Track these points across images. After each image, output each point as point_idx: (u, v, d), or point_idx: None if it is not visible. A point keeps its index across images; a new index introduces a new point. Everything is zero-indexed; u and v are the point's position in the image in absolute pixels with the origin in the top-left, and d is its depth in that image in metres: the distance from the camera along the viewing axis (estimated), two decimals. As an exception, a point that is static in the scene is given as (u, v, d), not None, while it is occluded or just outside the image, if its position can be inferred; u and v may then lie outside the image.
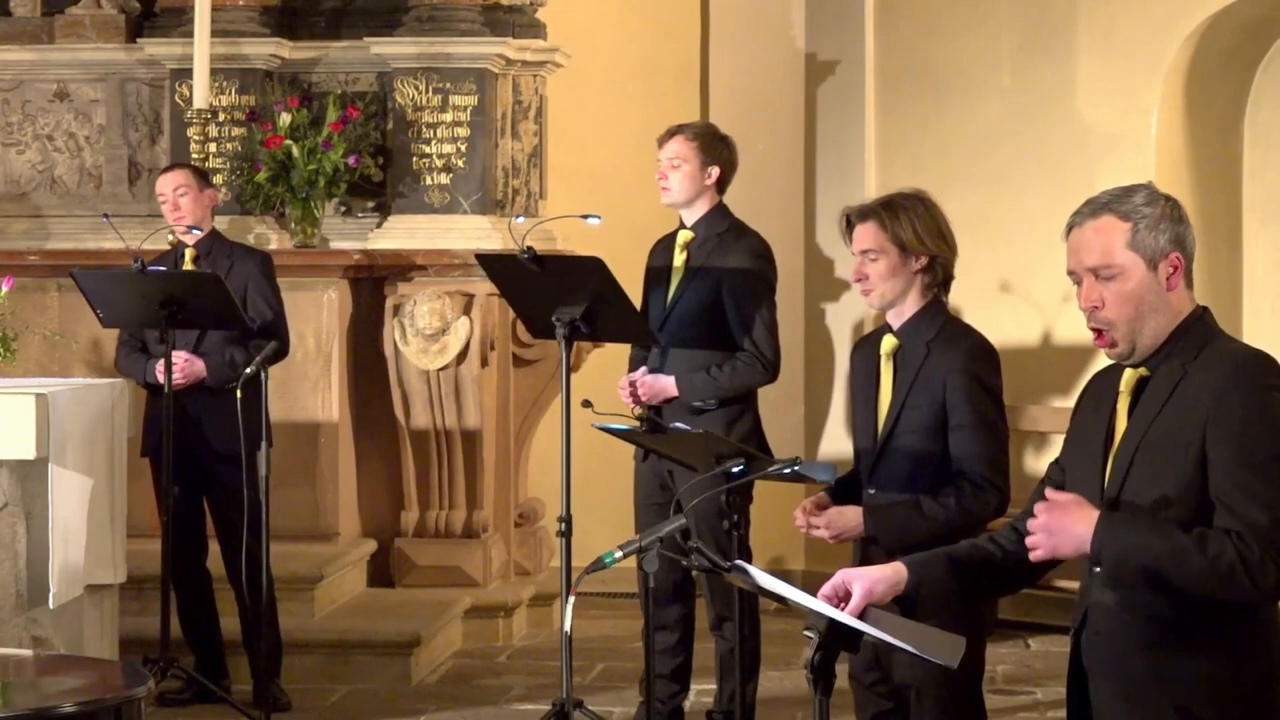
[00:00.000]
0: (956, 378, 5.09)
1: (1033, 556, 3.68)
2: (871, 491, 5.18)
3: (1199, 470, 3.60)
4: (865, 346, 5.35)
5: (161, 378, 7.47)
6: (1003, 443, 5.18)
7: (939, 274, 5.18)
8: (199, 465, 7.58)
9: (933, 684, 4.99)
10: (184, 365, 7.52)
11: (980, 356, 5.16)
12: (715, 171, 6.96)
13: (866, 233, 5.15)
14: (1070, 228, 3.77)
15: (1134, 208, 3.71)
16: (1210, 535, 3.56)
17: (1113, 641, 3.72)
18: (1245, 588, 3.54)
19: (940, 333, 5.16)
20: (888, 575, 3.77)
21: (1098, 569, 3.66)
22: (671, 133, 6.98)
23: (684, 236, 6.99)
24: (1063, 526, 3.62)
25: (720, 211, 7.02)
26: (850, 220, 5.22)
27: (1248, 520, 3.54)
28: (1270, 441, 3.58)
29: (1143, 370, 3.74)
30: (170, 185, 7.79)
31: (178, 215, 7.77)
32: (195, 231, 7.80)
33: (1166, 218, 3.71)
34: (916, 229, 5.13)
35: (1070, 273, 3.77)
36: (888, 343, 5.19)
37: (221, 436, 7.39)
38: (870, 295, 5.19)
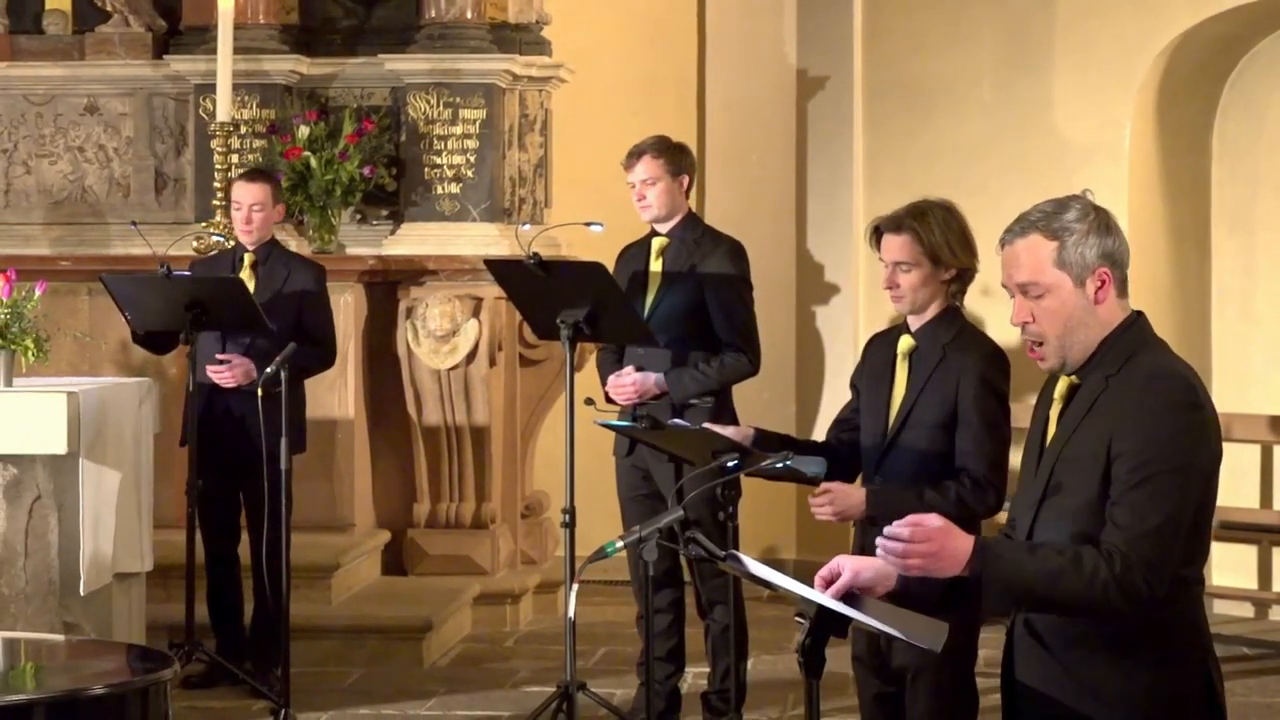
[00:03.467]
0: (969, 381, 5.05)
1: (909, 573, 3.56)
2: (878, 479, 5.16)
3: (1104, 482, 3.54)
4: (881, 343, 5.30)
5: (212, 376, 7.48)
6: (1005, 446, 5.13)
7: (964, 283, 5.16)
8: (238, 461, 7.53)
9: (928, 668, 4.98)
10: (238, 366, 7.48)
11: (993, 363, 5.12)
12: (685, 180, 6.97)
13: (900, 244, 5.07)
14: (1001, 244, 3.70)
15: (1063, 225, 3.62)
16: (1085, 554, 3.49)
17: (1038, 642, 3.68)
18: (1118, 603, 3.47)
19: (957, 337, 5.12)
20: (877, 565, 3.74)
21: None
22: (636, 155, 6.94)
23: (659, 243, 6.99)
24: (949, 550, 3.53)
25: (692, 217, 7.05)
26: (880, 230, 5.15)
27: (1123, 530, 3.48)
28: (1161, 458, 3.50)
29: (1074, 379, 3.68)
30: (249, 199, 7.70)
31: (247, 228, 7.72)
32: (217, 238, 7.80)
33: (1094, 232, 3.62)
34: (949, 242, 5.07)
35: (1003, 285, 3.71)
36: (905, 343, 5.15)
37: (260, 435, 7.31)
38: (900, 303, 5.13)
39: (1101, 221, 3.65)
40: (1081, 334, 3.64)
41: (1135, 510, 3.49)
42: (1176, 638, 3.61)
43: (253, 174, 7.96)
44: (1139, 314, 3.70)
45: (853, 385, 5.39)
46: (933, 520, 3.56)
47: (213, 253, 8.50)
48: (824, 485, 5.15)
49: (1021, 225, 3.67)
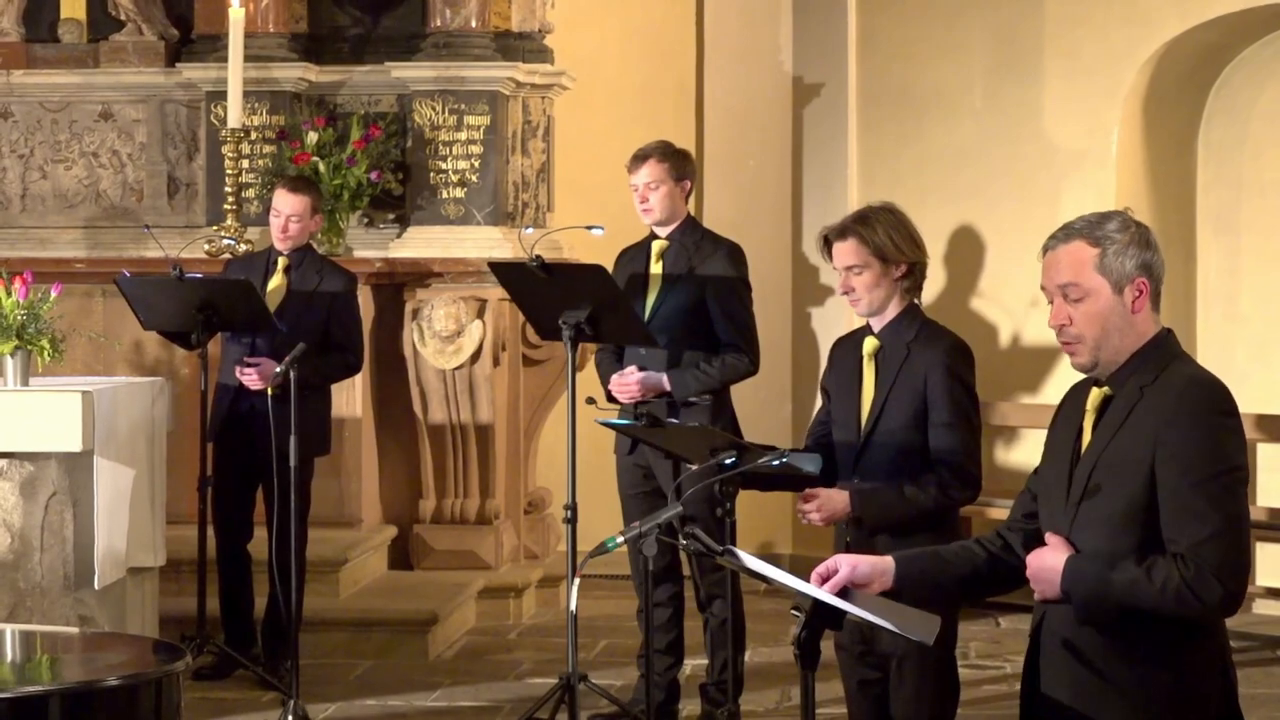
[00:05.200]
0: (936, 374, 5.08)
1: (1037, 599, 3.73)
2: (856, 481, 5.17)
3: (1148, 488, 3.57)
4: (845, 346, 5.33)
5: (241, 378, 7.48)
6: (977, 435, 5.18)
7: (917, 279, 5.18)
8: (260, 458, 7.50)
9: (914, 654, 4.99)
10: (265, 369, 7.47)
11: (958, 355, 5.15)
12: (687, 185, 6.98)
13: (848, 249, 5.12)
14: (1045, 250, 3.74)
15: (1105, 234, 3.67)
16: (1158, 563, 3.53)
17: (1066, 643, 3.69)
18: (1195, 606, 3.52)
19: (919, 333, 5.15)
20: (875, 563, 3.77)
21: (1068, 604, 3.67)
22: (641, 158, 6.96)
23: (659, 246, 7.00)
24: (1043, 576, 3.65)
25: (691, 221, 7.06)
26: (829, 239, 5.19)
27: (1187, 536, 3.52)
28: (1210, 462, 3.54)
29: (1107, 390, 3.71)
30: (288, 210, 7.69)
31: (283, 236, 7.72)
32: (229, 242, 7.81)
33: (1134, 244, 3.67)
34: (894, 239, 5.11)
35: (1043, 288, 3.74)
36: (869, 344, 5.18)
37: (283, 434, 7.26)
38: (858, 305, 5.17)
39: (1142, 235, 3.71)
40: (1116, 339, 3.67)
41: (1196, 514, 3.53)
42: (1201, 639, 3.65)
43: (296, 185, 7.88)
44: (1169, 330, 3.74)
45: (823, 389, 5.41)
46: (1051, 539, 3.68)
47: (227, 255, 8.52)
48: (809, 491, 5.18)
49: (1065, 232, 3.72)
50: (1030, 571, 3.69)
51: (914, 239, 5.17)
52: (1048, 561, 3.65)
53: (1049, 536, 3.69)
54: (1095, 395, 3.73)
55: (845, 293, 5.18)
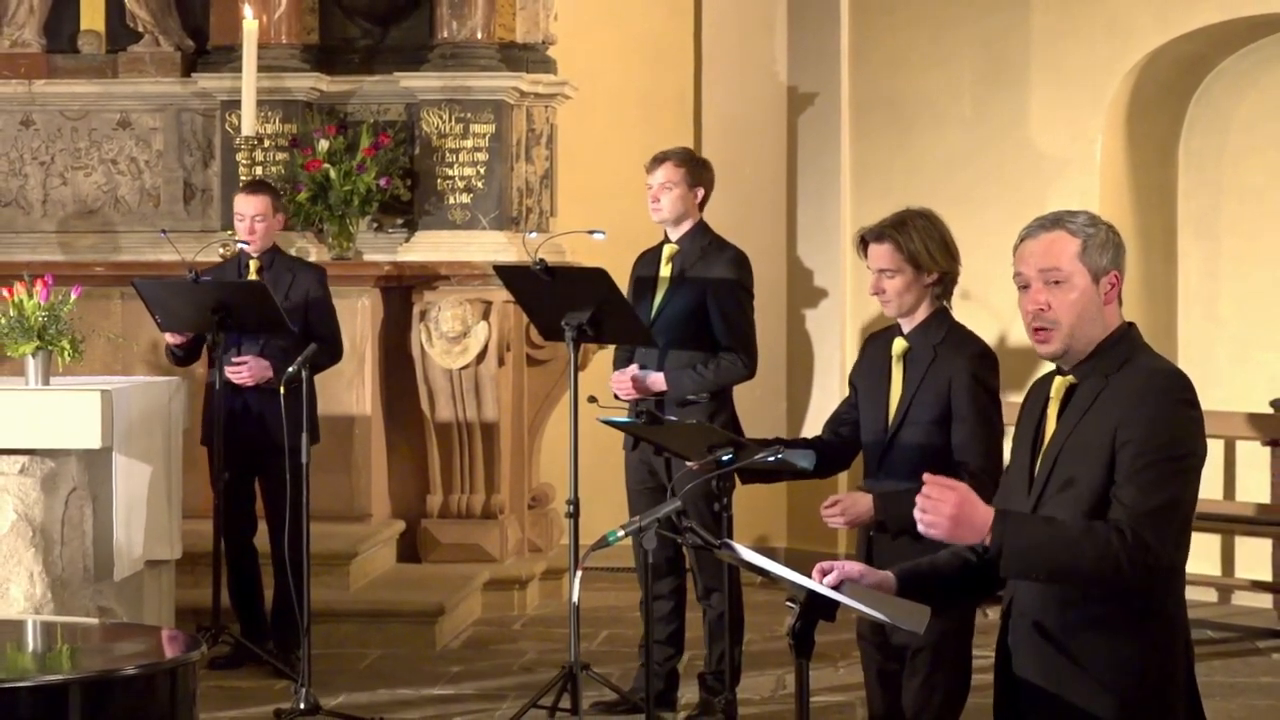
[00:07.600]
0: (961, 378, 5.05)
1: (928, 534, 3.54)
2: (881, 475, 5.15)
3: (1109, 471, 3.57)
4: (877, 343, 5.29)
5: (230, 376, 7.50)
6: (998, 437, 5.10)
7: (948, 285, 5.16)
8: (255, 454, 7.55)
9: (928, 646, 4.98)
10: (254, 366, 7.50)
11: (982, 360, 5.13)
12: (700, 192, 6.98)
13: (882, 253, 5.08)
14: (1023, 239, 3.73)
15: (1080, 227, 3.68)
16: (1096, 525, 3.52)
17: (1035, 624, 3.68)
18: (1127, 572, 3.49)
19: (947, 337, 5.12)
20: (881, 576, 3.76)
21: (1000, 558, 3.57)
22: (659, 160, 6.97)
23: (669, 250, 7.00)
24: (968, 517, 3.52)
25: (702, 227, 7.04)
26: (865, 240, 5.16)
27: (1128, 506, 3.51)
28: (1165, 444, 3.54)
29: (1071, 379, 3.71)
30: (251, 210, 7.71)
31: (251, 238, 7.73)
32: (242, 245, 7.80)
33: (1109, 241, 3.69)
34: (929, 247, 5.06)
35: (1017, 275, 3.72)
36: (898, 345, 5.15)
37: (276, 429, 7.30)
38: (888, 306, 5.14)
39: (1113, 233, 3.72)
40: (1088, 329, 3.67)
41: (1141, 491, 3.52)
42: (1165, 624, 3.64)
43: (253, 187, 7.95)
44: (1132, 324, 3.74)
45: (851, 383, 5.38)
46: (958, 485, 3.55)
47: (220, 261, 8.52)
48: (834, 496, 5.15)
49: (1042, 223, 3.72)
50: (954, 513, 3.49)
51: (948, 248, 5.12)
52: (976, 509, 3.50)
53: (957, 484, 3.53)
54: (1059, 383, 3.73)
55: (876, 293, 5.15)
